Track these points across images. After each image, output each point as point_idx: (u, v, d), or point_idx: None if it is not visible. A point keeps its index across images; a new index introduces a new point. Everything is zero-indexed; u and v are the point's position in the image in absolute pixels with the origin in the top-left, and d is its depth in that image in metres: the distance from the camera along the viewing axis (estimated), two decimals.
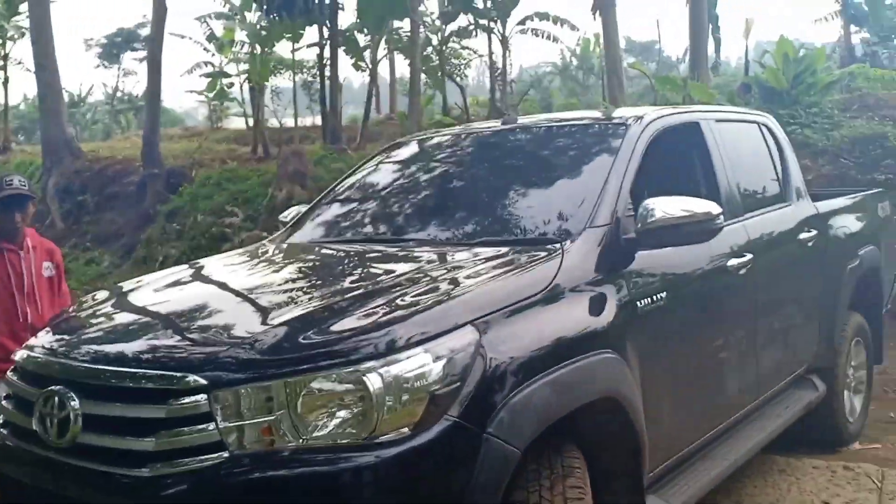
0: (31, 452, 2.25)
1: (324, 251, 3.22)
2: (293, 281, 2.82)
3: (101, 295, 2.94)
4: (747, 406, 3.50)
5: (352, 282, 2.58)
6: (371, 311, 2.16)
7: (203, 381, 1.98)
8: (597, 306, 2.55)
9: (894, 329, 5.51)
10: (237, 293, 2.68)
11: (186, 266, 3.29)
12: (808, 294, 4.06)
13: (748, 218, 3.61)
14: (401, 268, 2.63)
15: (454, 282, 2.36)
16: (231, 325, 2.27)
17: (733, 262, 3.33)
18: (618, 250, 2.77)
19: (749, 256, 3.42)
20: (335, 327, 2.10)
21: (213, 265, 3.25)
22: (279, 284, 2.75)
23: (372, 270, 2.79)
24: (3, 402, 2.47)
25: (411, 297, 2.24)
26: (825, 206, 4.42)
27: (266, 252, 3.37)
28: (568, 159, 3.35)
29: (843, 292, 4.30)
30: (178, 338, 2.26)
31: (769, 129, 4.32)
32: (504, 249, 2.69)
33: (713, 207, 2.86)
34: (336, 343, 2.02)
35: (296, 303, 2.38)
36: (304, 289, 2.64)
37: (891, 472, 3.92)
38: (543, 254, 2.60)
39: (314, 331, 2.09)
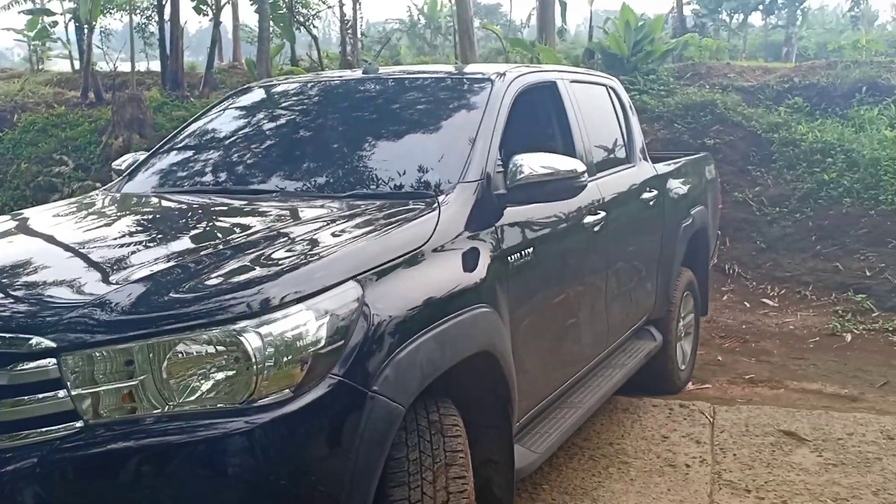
0: None
1: (171, 203, 2.96)
2: (140, 234, 2.56)
3: None
4: (599, 355, 3.69)
5: (213, 236, 2.38)
6: (243, 266, 2.00)
7: (52, 344, 1.75)
8: (472, 261, 2.54)
9: (714, 282, 6.04)
10: (78, 247, 2.38)
11: (9, 217, 2.89)
12: (649, 250, 4.31)
13: (601, 177, 3.74)
14: (268, 221, 2.47)
15: (331, 236, 2.24)
16: (78, 282, 2.01)
17: (589, 219, 3.45)
18: (489, 206, 2.76)
19: (602, 214, 3.55)
20: (203, 283, 1.91)
21: (43, 216, 2.88)
22: (125, 238, 2.49)
23: (234, 224, 2.59)
24: None
25: (286, 251, 2.10)
26: (663, 168, 4.69)
27: (102, 202, 3.05)
28: (433, 113, 3.29)
29: (678, 249, 4.61)
30: (17, 295, 1.97)
31: (616, 92, 4.50)
32: (377, 203, 2.61)
33: (578, 165, 2.92)
34: (207, 300, 1.84)
35: (150, 258, 2.15)
36: (156, 243, 2.40)
37: (721, 409, 4.32)
38: (419, 208, 2.54)
39: (179, 287, 1.90)
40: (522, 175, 2.78)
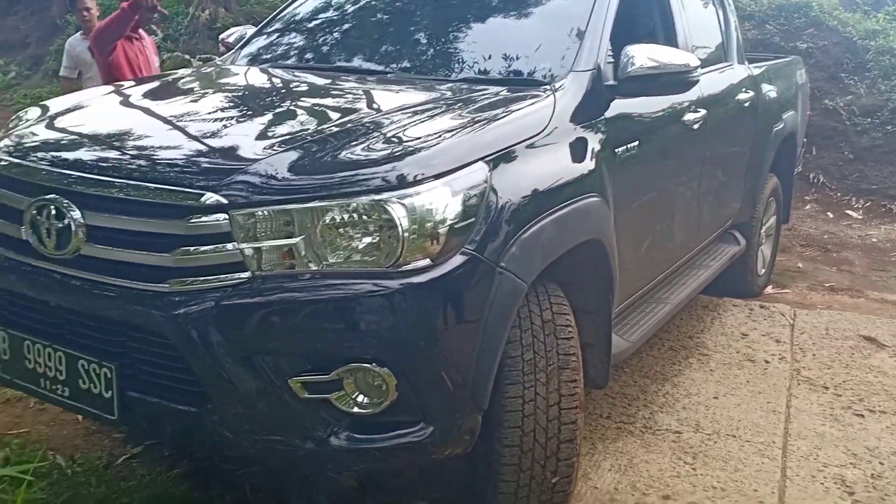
0: (15, 261, 2.16)
1: (294, 77, 3.07)
2: (276, 107, 2.65)
3: (71, 101, 2.73)
4: (688, 254, 3.78)
5: (348, 112, 2.49)
6: (385, 142, 2.13)
7: (223, 201, 1.93)
8: (583, 151, 2.62)
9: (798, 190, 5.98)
10: (225, 115, 2.53)
11: (160, 77, 3.05)
12: (740, 153, 4.30)
13: (702, 74, 3.72)
14: (395, 100, 2.58)
15: (457, 118, 2.34)
16: (242, 145, 2.16)
17: (689, 116, 3.47)
18: (599, 97, 2.81)
19: (702, 112, 3.56)
20: (352, 156, 2.06)
21: (176, 84, 3.04)
22: (265, 109, 2.59)
23: (364, 101, 2.70)
24: None
25: (420, 130, 2.21)
26: (758, 69, 4.60)
27: (225, 74, 3.18)
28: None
29: (767, 153, 4.58)
30: (193, 153, 2.15)
31: None
32: (493, 88, 2.68)
33: (692, 59, 2.93)
34: (357, 171, 1.99)
35: (297, 129, 2.30)
36: (296, 115, 2.53)
37: (801, 312, 4.41)
38: (536, 94, 2.61)
39: (332, 158, 2.05)
40: (634, 67, 2.80)
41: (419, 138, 2.16)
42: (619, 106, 2.87)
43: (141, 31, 4.96)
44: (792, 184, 5.26)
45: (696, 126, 3.50)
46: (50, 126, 2.47)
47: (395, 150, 2.08)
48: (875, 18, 8.28)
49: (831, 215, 6.48)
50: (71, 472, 2.55)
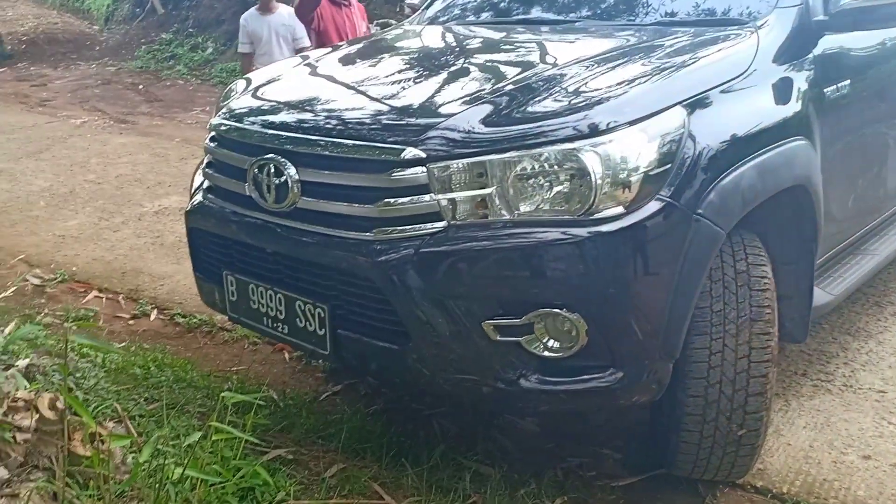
0: (241, 214, 2.39)
1: (481, 34, 3.12)
2: (465, 63, 2.72)
3: (271, 71, 2.96)
4: None
5: (536, 64, 2.50)
6: (578, 89, 2.12)
7: (422, 154, 2.03)
8: (789, 92, 2.46)
9: None
10: (417, 73, 2.63)
11: (350, 44, 3.23)
12: None
13: None
14: (588, 48, 2.55)
15: (654, 61, 2.28)
16: (436, 101, 2.25)
17: None
18: (807, 33, 2.61)
19: None
20: (543, 107, 2.07)
21: (371, 46, 3.20)
22: (454, 66, 2.67)
23: (555, 50, 2.69)
24: (205, 169, 2.59)
25: (615, 76, 2.18)
26: None
27: (413, 35, 3.28)
28: None
29: None
30: (390, 111, 2.28)
31: None
32: (691, 30, 2.56)
33: None
34: (549, 121, 2.01)
35: (486, 84, 2.35)
36: (484, 70, 2.58)
37: None
38: (738, 34, 2.47)
39: (521, 109, 2.08)
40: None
41: (611, 85, 2.13)
42: (828, 42, 2.66)
43: None
44: None
45: None
46: (259, 95, 2.68)
47: (585, 98, 2.07)
48: None
49: None
50: (283, 405, 2.83)
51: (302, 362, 3.26)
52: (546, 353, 2.02)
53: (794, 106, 2.45)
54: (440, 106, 2.22)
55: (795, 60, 2.53)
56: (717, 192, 2.07)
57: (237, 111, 2.55)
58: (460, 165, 2.02)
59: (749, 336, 2.20)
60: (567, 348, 2.01)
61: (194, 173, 2.76)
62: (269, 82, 2.79)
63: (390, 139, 2.11)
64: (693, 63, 2.26)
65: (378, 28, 5.12)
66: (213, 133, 2.57)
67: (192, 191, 2.68)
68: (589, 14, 2.98)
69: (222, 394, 2.16)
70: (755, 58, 2.38)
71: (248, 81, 2.88)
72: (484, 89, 2.27)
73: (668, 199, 2.00)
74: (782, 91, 2.43)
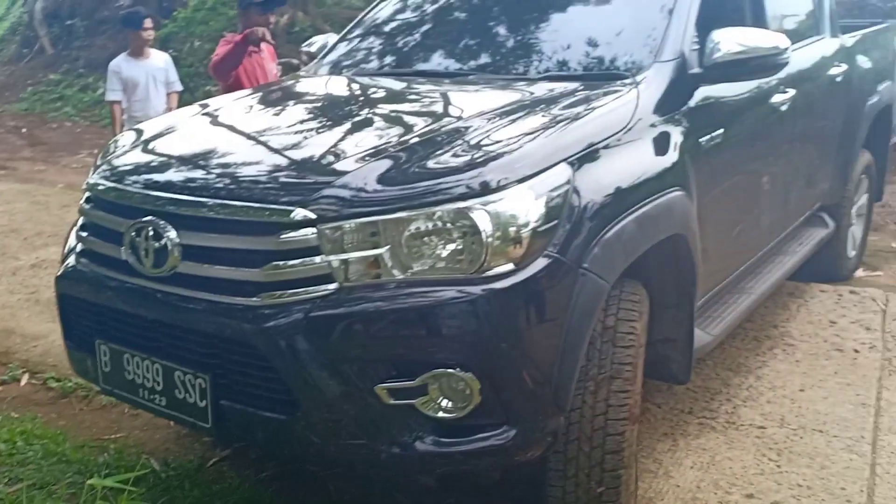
0: (116, 279, 2.26)
1: (375, 86, 3.08)
2: (357, 117, 2.66)
3: (163, 123, 2.83)
4: (774, 241, 3.66)
5: (429, 118, 2.49)
6: (466, 149, 2.13)
7: (312, 216, 1.98)
8: (667, 144, 2.55)
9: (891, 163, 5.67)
10: (307, 129, 2.57)
11: (230, 100, 3.12)
12: (831, 131, 4.11)
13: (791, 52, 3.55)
14: (476, 104, 2.56)
15: (539, 118, 2.32)
16: (329, 158, 2.20)
17: (777, 97, 3.33)
18: (684, 86, 2.73)
19: (791, 92, 3.41)
20: (436, 165, 2.07)
21: (259, 98, 3.10)
22: (345, 121, 2.61)
23: (443, 106, 2.70)
24: (79, 232, 2.44)
25: (501, 134, 2.20)
26: (851, 39, 4.36)
27: (308, 86, 3.22)
28: None
29: (860, 129, 4.36)
30: (281, 169, 2.21)
31: None
32: (573, 84, 2.63)
33: (781, 40, 2.80)
34: (441, 180, 2.01)
35: (377, 140, 2.31)
36: (377, 126, 2.54)
37: (893, 296, 4.22)
38: (618, 90, 2.55)
39: (414, 168, 2.07)
40: (720, 53, 2.71)
41: (501, 142, 2.15)
42: (703, 93, 2.79)
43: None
44: (887, 159, 4.99)
45: (783, 107, 3.37)
46: (144, 150, 2.56)
47: (477, 156, 2.08)
48: None
49: None
50: (165, 476, 2.67)
51: (193, 430, 3.08)
52: (441, 415, 1.99)
53: (671, 157, 2.54)
54: (333, 163, 2.17)
55: (673, 113, 2.63)
56: (601, 245, 2.12)
57: (116, 169, 2.42)
58: (353, 225, 1.98)
59: (607, 393, 2.22)
60: (462, 408, 1.99)
61: (67, 236, 2.59)
62: (155, 136, 2.66)
63: (279, 200, 2.04)
64: (578, 119, 2.32)
65: (280, 68, 5.07)
66: (88, 193, 2.43)
67: (65, 254, 2.52)
68: (486, 66, 3.00)
69: (89, 481, 2.00)
70: (635, 112, 2.46)
71: (138, 133, 2.74)
72: (378, 146, 2.24)
73: (556, 255, 2.03)
74: (661, 143, 2.53)
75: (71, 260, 2.45)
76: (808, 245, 4.00)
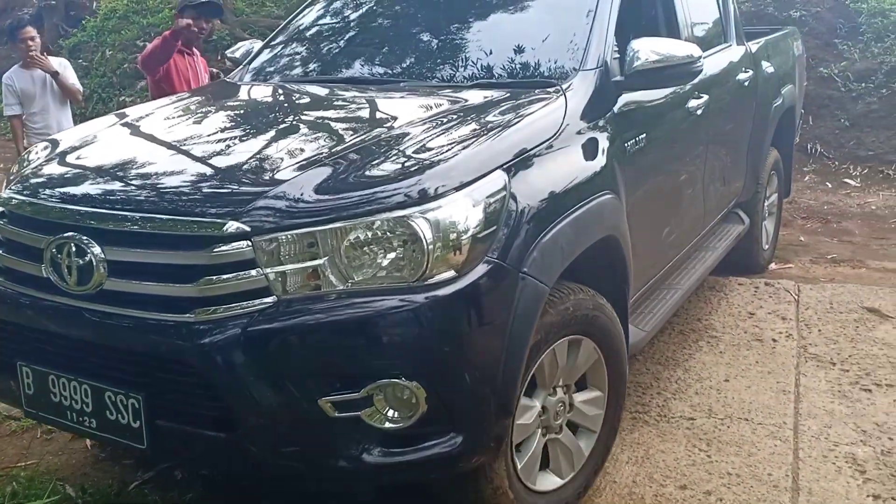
0: (37, 298, 2.16)
1: (304, 93, 3.05)
2: (289, 126, 2.63)
3: (83, 132, 2.70)
4: (696, 238, 3.80)
5: (362, 126, 2.48)
6: (403, 157, 2.13)
7: (246, 228, 1.93)
8: (596, 149, 2.62)
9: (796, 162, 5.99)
10: (237, 139, 2.51)
11: (169, 101, 3.02)
12: (742, 132, 4.30)
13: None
14: (408, 111, 2.56)
15: (473, 126, 2.34)
16: (262, 168, 2.16)
17: (693, 102, 3.47)
18: (607, 93, 2.81)
19: (705, 98, 3.55)
20: (373, 173, 2.06)
21: (203, 104, 3.02)
22: (276, 129, 2.58)
23: (375, 114, 2.69)
24: None
25: (437, 142, 2.21)
26: (755, 45, 4.58)
27: (236, 93, 3.15)
28: None
29: (768, 129, 4.59)
30: (211, 179, 2.15)
31: None
32: (503, 92, 2.67)
33: (694, 50, 2.92)
34: (379, 188, 2.00)
35: (311, 149, 2.28)
36: (308, 134, 2.51)
37: (805, 287, 4.46)
38: (547, 97, 2.60)
39: (351, 177, 2.05)
40: (640, 61, 2.80)
41: (436, 150, 2.16)
42: (625, 100, 2.88)
43: (194, 48, 4.94)
44: (792, 157, 5.27)
45: (699, 111, 3.50)
46: (62, 162, 2.45)
47: (413, 164, 2.09)
48: None
49: (830, 185, 6.51)
50: (82, 503, 2.55)
51: (107, 448, 2.94)
52: (388, 425, 1.98)
53: (600, 161, 2.61)
54: (266, 173, 2.13)
55: (599, 119, 2.70)
56: (540, 249, 2.16)
57: (32, 182, 2.31)
58: (289, 237, 1.94)
59: None
60: (408, 417, 1.98)
61: None
62: (73, 147, 2.55)
63: (211, 212, 1.98)
64: (511, 126, 2.35)
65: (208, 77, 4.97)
66: (1, 209, 2.30)
67: None
68: (416, 74, 3.01)
69: None
70: (564, 118, 2.52)
71: (52, 146, 2.61)
72: (311, 155, 2.21)
73: (496, 261, 2.05)
74: (589, 149, 2.59)
75: None
76: (727, 240, 4.17)
